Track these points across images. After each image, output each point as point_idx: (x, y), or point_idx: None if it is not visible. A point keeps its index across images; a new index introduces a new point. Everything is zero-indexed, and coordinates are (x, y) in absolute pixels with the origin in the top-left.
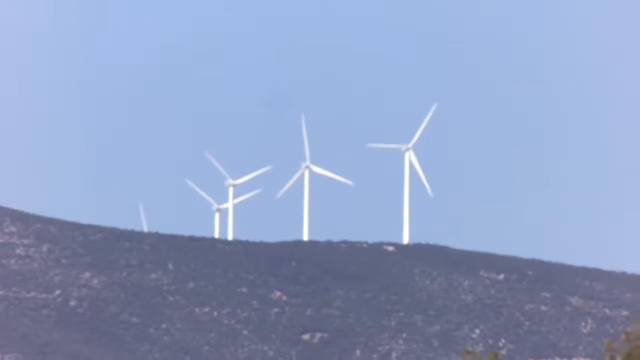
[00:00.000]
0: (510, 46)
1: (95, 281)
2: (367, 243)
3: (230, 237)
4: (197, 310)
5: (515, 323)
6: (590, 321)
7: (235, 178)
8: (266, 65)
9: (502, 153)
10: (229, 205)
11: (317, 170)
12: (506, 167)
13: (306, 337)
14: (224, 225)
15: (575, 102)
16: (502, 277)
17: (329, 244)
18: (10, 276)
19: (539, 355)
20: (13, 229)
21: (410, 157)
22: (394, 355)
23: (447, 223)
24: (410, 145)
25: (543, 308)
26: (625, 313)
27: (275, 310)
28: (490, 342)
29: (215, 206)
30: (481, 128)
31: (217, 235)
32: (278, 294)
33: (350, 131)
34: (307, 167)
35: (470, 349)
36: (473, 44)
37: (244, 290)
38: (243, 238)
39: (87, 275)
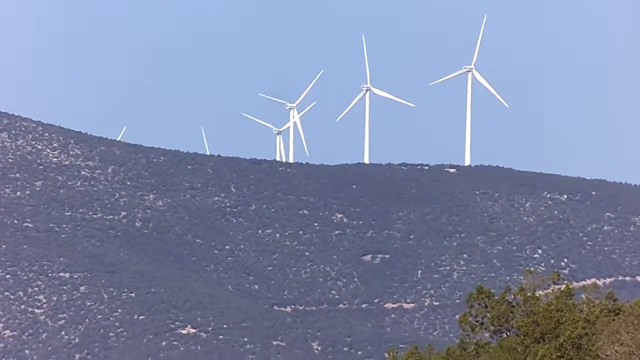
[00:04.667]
0: None
1: (160, 203)
2: (427, 165)
3: (291, 160)
4: (259, 231)
5: (577, 243)
6: None
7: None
8: None
9: (567, 70)
10: (290, 125)
11: (378, 92)
12: (571, 85)
13: (367, 258)
14: (286, 148)
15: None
16: (564, 197)
17: (390, 166)
18: (76, 197)
19: (601, 274)
20: (78, 151)
21: (475, 76)
22: (454, 275)
23: (510, 144)
24: (472, 65)
25: (606, 228)
26: None
27: (337, 232)
28: (552, 262)
29: (275, 129)
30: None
31: (278, 158)
32: (339, 215)
33: (411, 63)
34: (368, 89)
35: (531, 269)
36: None
37: (306, 212)
38: (304, 161)
39: (151, 197)
